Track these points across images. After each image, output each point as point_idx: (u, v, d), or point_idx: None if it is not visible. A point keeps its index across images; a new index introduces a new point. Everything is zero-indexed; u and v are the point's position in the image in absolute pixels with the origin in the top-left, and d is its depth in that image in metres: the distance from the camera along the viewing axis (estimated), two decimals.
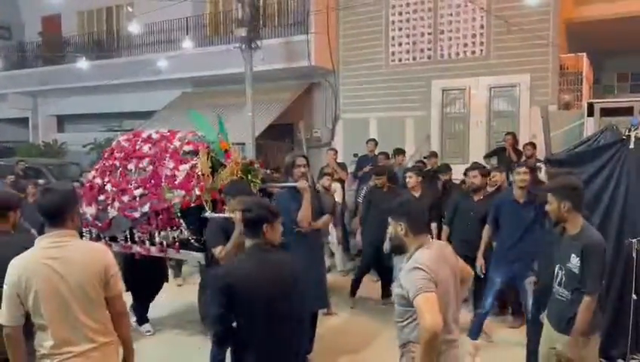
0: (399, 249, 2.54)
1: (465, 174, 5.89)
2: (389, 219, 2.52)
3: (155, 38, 12.99)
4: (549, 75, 8.96)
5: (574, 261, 2.87)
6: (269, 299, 2.39)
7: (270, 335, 2.40)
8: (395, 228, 2.49)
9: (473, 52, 9.55)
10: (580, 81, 9.33)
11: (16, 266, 2.35)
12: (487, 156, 8.48)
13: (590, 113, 8.01)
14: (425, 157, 8.26)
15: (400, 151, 8.39)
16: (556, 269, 3.05)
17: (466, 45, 9.61)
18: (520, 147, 8.04)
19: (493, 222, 4.79)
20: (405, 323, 2.43)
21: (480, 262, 4.82)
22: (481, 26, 9.43)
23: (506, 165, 6.95)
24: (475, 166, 5.60)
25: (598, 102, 8.21)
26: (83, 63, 13.13)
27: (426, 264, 2.33)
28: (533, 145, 7.68)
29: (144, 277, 5.06)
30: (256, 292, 2.37)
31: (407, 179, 5.79)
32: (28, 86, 15.50)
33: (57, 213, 2.40)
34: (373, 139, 9.24)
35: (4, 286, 2.36)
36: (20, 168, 9.80)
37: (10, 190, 3.74)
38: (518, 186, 4.61)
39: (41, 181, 8.59)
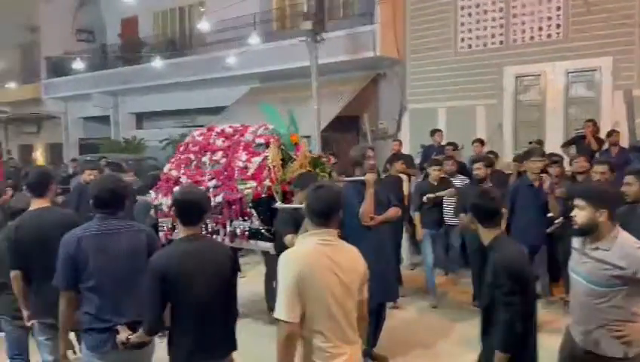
0: (585, 233, 2.58)
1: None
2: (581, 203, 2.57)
3: (225, 35, 13.38)
4: (634, 57, 8.35)
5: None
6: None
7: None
8: (592, 214, 2.52)
9: (549, 35, 9.07)
10: None
11: (295, 260, 2.31)
12: (565, 145, 8.06)
13: None
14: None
15: (480, 142, 8.18)
16: None
17: (541, 29, 9.15)
18: (601, 135, 7.61)
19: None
20: (607, 304, 2.48)
21: None
22: (558, 8, 8.93)
23: (586, 154, 6.59)
24: (478, 158, 5.88)
25: None
26: (158, 62, 13.78)
27: None
28: (617, 132, 7.24)
29: None
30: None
31: (476, 171, 5.60)
32: (109, 86, 16.47)
33: (329, 212, 2.38)
34: (439, 130, 9.07)
35: (286, 280, 2.29)
36: (103, 164, 10.47)
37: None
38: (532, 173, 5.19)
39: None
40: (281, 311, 2.23)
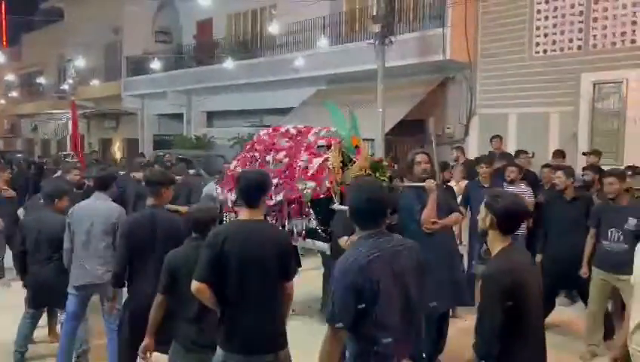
0: None
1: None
2: None
3: (295, 37, 13.62)
4: None
5: None
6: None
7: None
8: None
9: (633, 41, 8.52)
10: None
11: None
12: None
13: None
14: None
15: (560, 154, 7.83)
16: None
17: (624, 34, 8.61)
18: None
19: None
20: None
21: None
22: None
23: None
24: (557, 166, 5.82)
25: None
26: (229, 63, 14.24)
27: None
28: None
29: None
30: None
31: (557, 180, 5.34)
32: (183, 85, 17.21)
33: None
34: (499, 135, 8.80)
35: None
36: (167, 159, 10.91)
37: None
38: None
39: (191, 171, 9.54)
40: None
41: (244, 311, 2.69)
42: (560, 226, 5.14)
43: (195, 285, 2.68)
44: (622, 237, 4.43)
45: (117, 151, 22.24)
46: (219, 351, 2.74)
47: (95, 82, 20.40)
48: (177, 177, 6.94)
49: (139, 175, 6.72)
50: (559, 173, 5.32)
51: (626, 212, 4.47)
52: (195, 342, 3.02)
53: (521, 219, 2.49)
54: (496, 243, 2.46)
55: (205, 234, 3.13)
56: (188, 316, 3.03)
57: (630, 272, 4.40)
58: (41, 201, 4.82)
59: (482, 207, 2.50)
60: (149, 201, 3.69)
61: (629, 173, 5.62)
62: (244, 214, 2.84)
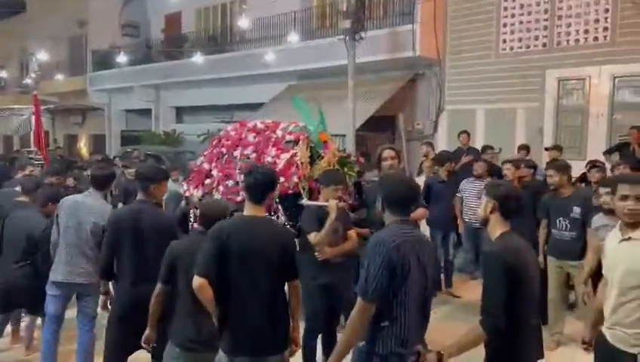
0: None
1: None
2: None
3: (264, 32, 13.50)
4: None
5: None
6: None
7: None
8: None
9: (596, 38, 8.74)
10: None
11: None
12: (608, 152, 7.72)
13: None
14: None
15: (525, 148, 8.14)
16: None
17: (587, 32, 8.82)
18: None
19: None
20: None
21: None
22: (606, 10, 8.59)
23: (629, 161, 6.33)
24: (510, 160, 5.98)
25: None
26: (199, 58, 14.03)
27: None
28: None
29: None
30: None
31: (506, 171, 5.68)
32: (152, 79, 16.89)
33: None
34: (465, 131, 8.93)
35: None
36: (135, 156, 10.69)
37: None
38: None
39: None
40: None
41: (249, 310, 2.62)
42: None
43: (197, 281, 2.61)
44: (569, 226, 4.71)
45: (83, 147, 21.70)
46: (221, 353, 2.66)
47: (59, 77, 19.83)
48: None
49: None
50: (508, 165, 5.67)
51: (570, 201, 4.74)
52: (193, 340, 2.91)
53: (519, 203, 2.66)
54: (497, 228, 2.58)
55: None
56: (185, 310, 2.94)
57: (578, 258, 4.60)
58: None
59: (483, 196, 2.65)
60: (139, 196, 3.61)
61: (588, 167, 5.79)
62: (248, 210, 2.80)
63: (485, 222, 2.63)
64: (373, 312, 2.33)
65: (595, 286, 4.14)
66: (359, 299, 2.33)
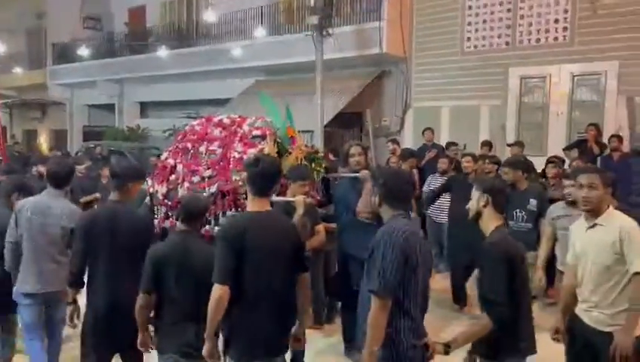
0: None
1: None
2: None
3: (231, 27, 13.35)
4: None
5: None
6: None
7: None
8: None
9: (555, 38, 9.00)
10: None
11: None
12: (568, 148, 7.99)
13: None
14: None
15: (487, 144, 8.26)
16: None
17: (547, 31, 9.08)
18: (605, 139, 7.57)
19: None
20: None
21: None
22: (565, 10, 8.86)
23: (587, 158, 6.58)
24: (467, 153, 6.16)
25: None
26: (164, 52, 13.78)
27: None
28: (619, 137, 7.20)
29: None
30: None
31: (465, 163, 5.88)
32: (115, 74, 16.49)
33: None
34: (430, 128, 9.08)
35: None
36: (98, 152, 10.42)
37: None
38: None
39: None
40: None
41: (264, 311, 2.51)
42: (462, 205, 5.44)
43: (219, 290, 2.42)
44: (525, 217, 4.91)
45: (43, 143, 21.02)
46: (229, 361, 2.55)
47: (18, 70, 19.15)
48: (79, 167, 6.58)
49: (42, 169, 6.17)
50: (467, 158, 5.92)
51: (526, 195, 4.97)
52: (192, 345, 2.71)
53: (507, 196, 2.76)
54: (492, 221, 2.63)
55: (195, 227, 2.96)
56: (183, 315, 2.75)
57: (533, 249, 4.79)
58: None
59: (474, 192, 2.67)
60: (113, 196, 3.32)
61: (551, 163, 5.98)
62: (253, 205, 2.66)
63: (477, 216, 2.66)
64: (389, 306, 2.30)
65: (547, 274, 4.38)
66: (375, 298, 2.29)
